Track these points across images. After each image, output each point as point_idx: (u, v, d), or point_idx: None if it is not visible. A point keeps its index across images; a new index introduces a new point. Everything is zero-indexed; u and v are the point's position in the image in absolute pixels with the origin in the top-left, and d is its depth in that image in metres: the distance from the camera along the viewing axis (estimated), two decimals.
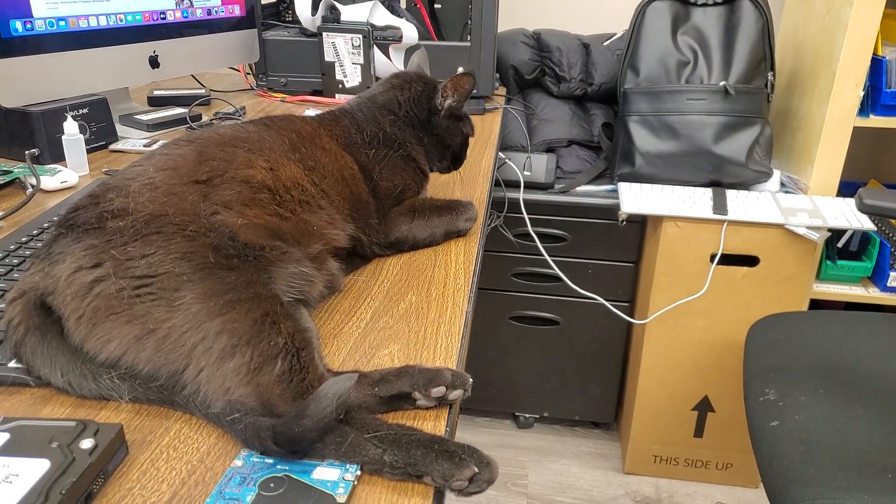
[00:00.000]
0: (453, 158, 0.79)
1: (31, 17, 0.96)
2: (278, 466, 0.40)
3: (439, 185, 0.90)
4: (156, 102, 1.30)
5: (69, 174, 0.89)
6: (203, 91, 1.38)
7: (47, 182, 0.86)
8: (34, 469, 0.38)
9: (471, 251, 0.72)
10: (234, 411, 0.43)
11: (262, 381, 0.44)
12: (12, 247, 0.66)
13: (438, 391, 0.46)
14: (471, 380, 0.48)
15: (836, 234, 1.45)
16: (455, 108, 0.75)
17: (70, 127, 0.92)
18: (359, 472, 0.40)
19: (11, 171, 0.88)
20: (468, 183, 0.93)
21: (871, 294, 1.44)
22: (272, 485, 0.39)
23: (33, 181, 0.86)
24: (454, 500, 0.42)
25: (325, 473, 0.40)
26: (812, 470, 0.81)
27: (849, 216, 1.30)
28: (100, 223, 0.50)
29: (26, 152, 0.91)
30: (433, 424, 0.45)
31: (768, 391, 0.98)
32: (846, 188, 1.47)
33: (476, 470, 0.40)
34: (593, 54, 1.59)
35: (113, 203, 0.52)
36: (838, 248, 1.48)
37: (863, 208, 1.07)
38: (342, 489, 0.39)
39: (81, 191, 0.84)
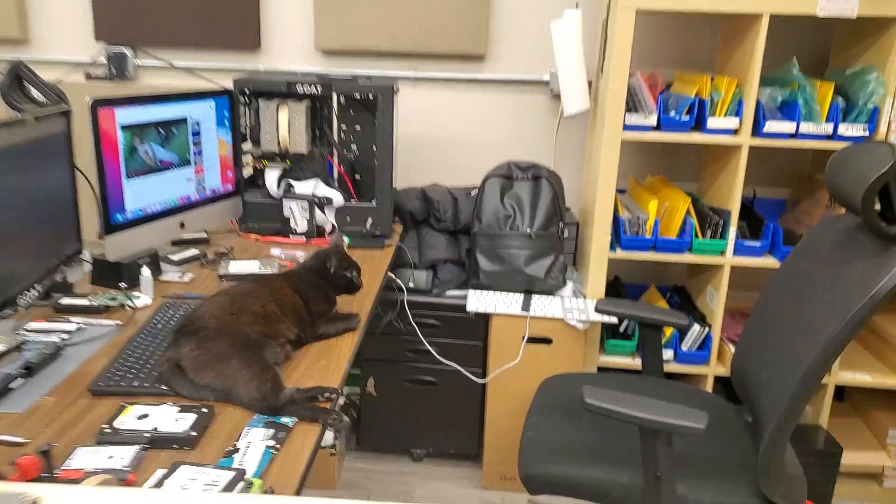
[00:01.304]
0: (349, 290, 1.59)
1: (125, 210, 1.74)
2: (268, 418, 1.17)
3: (349, 301, 1.68)
4: (176, 243, 2.08)
5: (146, 299, 1.65)
6: (206, 235, 2.16)
7: (137, 303, 1.62)
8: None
9: (355, 336, 1.51)
10: (253, 401, 1.19)
11: (264, 389, 1.20)
12: (139, 340, 1.42)
13: (328, 395, 1.24)
14: (338, 391, 1.26)
15: (616, 323, 2.30)
16: (336, 269, 1.53)
17: (145, 272, 1.69)
18: (296, 420, 1.17)
19: (115, 298, 1.64)
20: (361, 297, 1.72)
21: (636, 362, 2.26)
22: (265, 421, 1.16)
23: (129, 303, 1.61)
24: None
25: (285, 420, 1.17)
26: (541, 453, 1.58)
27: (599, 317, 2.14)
28: (194, 331, 1.27)
29: (120, 284, 1.68)
30: (325, 406, 1.23)
31: (533, 417, 1.75)
32: (633, 289, 2.34)
33: (338, 418, 1.17)
34: (460, 202, 2.45)
35: (198, 322, 1.29)
36: (618, 332, 2.33)
37: (597, 309, 1.91)
38: (290, 423, 1.16)
39: (158, 308, 1.59)
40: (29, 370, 1.30)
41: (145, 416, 1.15)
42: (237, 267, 1.87)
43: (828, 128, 2.05)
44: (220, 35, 2.67)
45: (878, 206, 1.34)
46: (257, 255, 2.02)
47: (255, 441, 1.10)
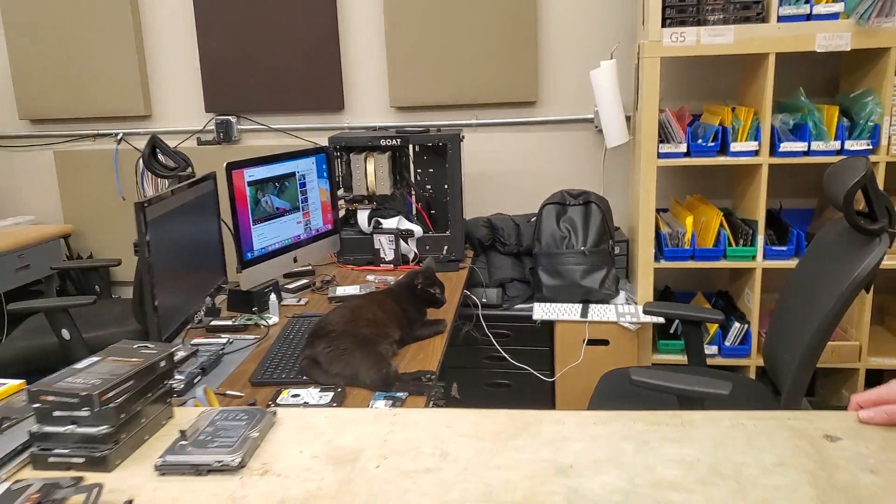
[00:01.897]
0: (433, 304, 1.97)
1: (253, 249, 2.21)
2: (385, 394, 1.57)
3: (436, 312, 2.07)
4: (288, 276, 2.53)
5: (274, 318, 2.09)
6: (311, 268, 2.61)
7: (269, 322, 2.06)
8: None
9: (443, 337, 1.89)
10: (373, 382, 1.59)
11: (380, 372, 1.60)
12: (277, 347, 1.85)
13: (428, 376, 1.62)
14: (435, 373, 1.64)
15: (666, 322, 2.61)
16: (422, 285, 1.93)
17: (273, 297, 2.13)
18: (406, 394, 1.56)
19: (252, 318, 2.08)
20: (445, 309, 2.11)
21: (684, 359, 2.56)
22: (385, 395, 1.55)
23: (263, 322, 2.06)
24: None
25: (399, 394, 1.56)
26: None
27: (649, 318, 2.46)
28: (323, 333, 1.69)
29: (253, 308, 2.13)
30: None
31: (594, 404, 2.08)
32: (681, 297, 2.65)
33: (439, 391, 1.55)
34: (521, 228, 2.82)
35: (327, 328, 1.71)
36: (668, 333, 2.63)
37: (645, 311, 2.23)
38: (402, 396, 1.55)
39: (286, 325, 2.02)
40: (203, 370, 1.75)
41: (297, 395, 1.56)
42: (342, 290, 2.30)
43: (836, 145, 2.34)
44: (309, 99, 3.18)
45: (864, 208, 1.64)
46: (355, 281, 2.45)
47: (380, 408, 1.50)
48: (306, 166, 2.50)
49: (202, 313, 1.92)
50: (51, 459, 0.83)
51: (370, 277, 2.49)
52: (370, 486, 0.79)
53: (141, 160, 3.34)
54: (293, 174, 2.43)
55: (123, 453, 0.86)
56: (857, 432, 0.87)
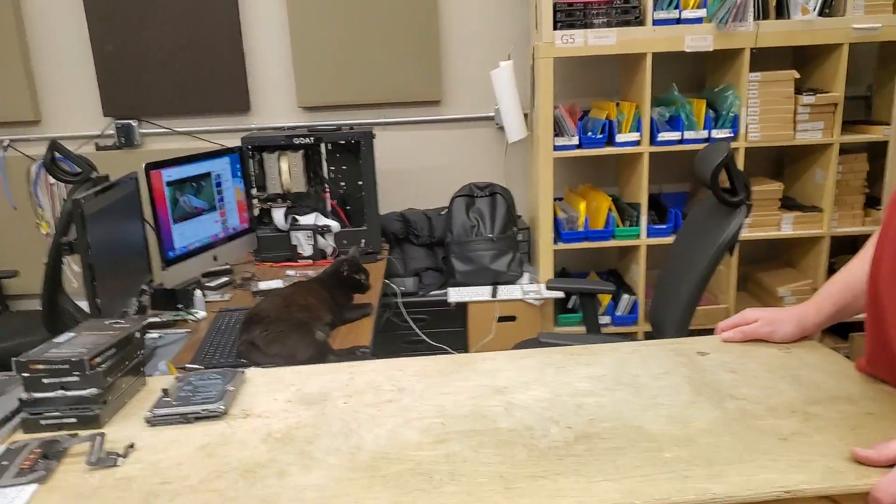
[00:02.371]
0: (358, 289, 2.11)
1: (174, 247, 2.25)
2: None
3: (360, 298, 2.21)
4: (206, 275, 2.57)
5: (202, 313, 2.15)
6: (228, 267, 2.67)
7: (198, 316, 2.12)
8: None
9: (370, 319, 2.04)
10: (310, 359, 1.71)
11: (316, 350, 1.72)
12: (210, 337, 1.92)
13: (361, 350, 1.76)
14: (369, 347, 1.79)
15: (565, 299, 2.87)
16: (348, 272, 2.07)
17: (198, 293, 2.19)
18: None
19: (179, 314, 2.13)
20: (369, 296, 2.25)
21: (583, 329, 2.83)
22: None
23: (192, 317, 2.11)
24: None
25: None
26: None
27: (551, 294, 2.71)
28: (258, 319, 1.79)
29: (178, 305, 2.17)
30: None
31: None
32: (577, 276, 2.91)
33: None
34: (433, 221, 3.01)
35: (262, 314, 1.81)
36: (566, 308, 2.90)
37: (547, 287, 2.47)
38: None
39: (214, 319, 2.09)
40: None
41: None
42: (265, 285, 2.39)
43: (704, 133, 2.70)
44: (214, 101, 3.20)
45: (727, 185, 1.95)
46: (276, 277, 2.53)
47: None
48: (221, 166, 2.55)
49: (132, 311, 1.95)
50: (43, 422, 0.91)
51: (290, 272, 2.58)
52: (342, 416, 0.93)
53: (34, 167, 3.25)
54: (209, 174, 2.48)
55: (110, 413, 0.95)
56: (721, 348, 1.11)
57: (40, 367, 0.91)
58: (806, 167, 2.98)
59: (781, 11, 2.70)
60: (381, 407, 0.95)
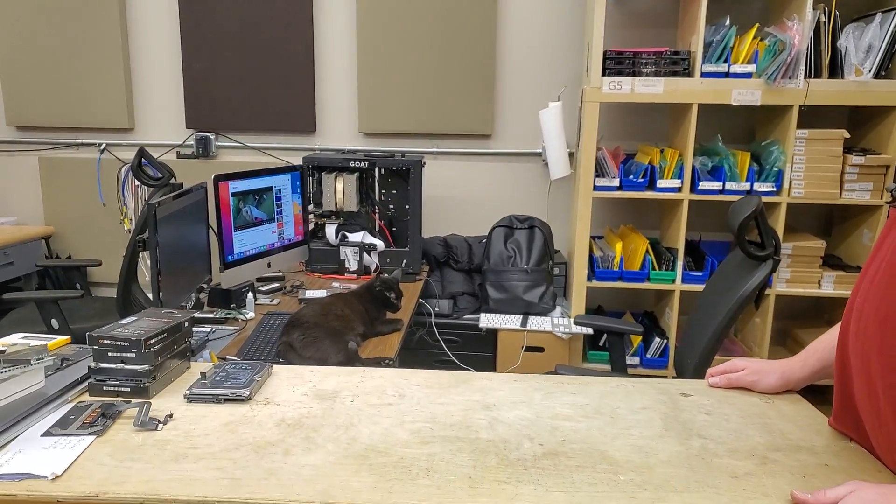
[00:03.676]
0: (388, 306, 2.26)
1: (234, 252, 2.47)
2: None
3: (394, 315, 2.36)
4: (260, 280, 2.79)
5: (251, 314, 2.35)
6: (281, 274, 2.87)
7: (247, 316, 2.31)
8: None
9: (400, 334, 2.18)
10: (339, 363, 1.87)
11: (345, 355, 1.88)
12: (254, 337, 2.10)
13: (387, 362, 1.91)
14: (393, 359, 1.93)
15: (596, 336, 2.95)
16: (380, 287, 2.22)
17: (250, 296, 2.39)
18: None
19: (231, 313, 2.34)
20: (402, 313, 2.40)
21: (608, 368, 2.90)
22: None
23: (242, 316, 2.31)
24: None
25: None
26: None
27: (579, 329, 2.80)
28: (298, 324, 1.96)
29: (231, 305, 2.37)
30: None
31: None
32: (612, 315, 2.99)
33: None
34: (473, 248, 3.15)
35: (301, 319, 1.98)
36: (597, 345, 2.97)
37: (575, 322, 2.56)
38: None
39: (261, 320, 2.28)
40: (193, 352, 1.99)
41: None
42: (311, 294, 2.58)
43: (746, 185, 2.75)
44: (283, 121, 3.46)
45: (756, 238, 2.01)
46: (322, 287, 2.72)
47: None
48: (282, 182, 2.77)
49: (190, 305, 2.16)
50: (105, 388, 1.09)
51: (335, 284, 2.76)
52: (347, 412, 1.07)
53: (123, 169, 3.57)
54: (271, 188, 2.70)
55: (158, 388, 1.12)
56: (704, 391, 1.20)
57: (107, 342, 1.09)
58: (854, 227, 2.98)
59: (836, 71, 2.73)
60: (381, 408, 1.09)
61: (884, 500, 0.81)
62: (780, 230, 2.76)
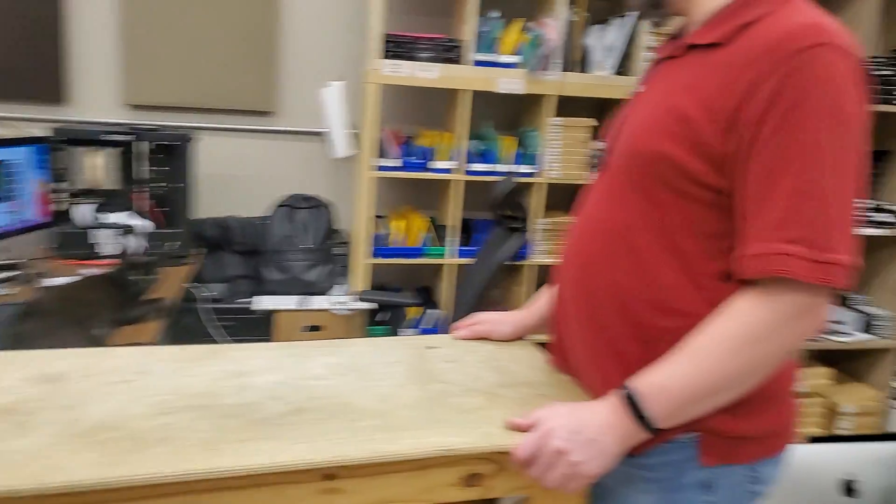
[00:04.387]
0: (132, 289, 2.10)
1: None
2: None
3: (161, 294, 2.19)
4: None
5: None
6: (21, 260, 2.52)
7: None
8: None
9: (161, 321, 2.03)
10: None
11: (89, 341, 1.70)
12: None
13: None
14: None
15: (376, 312, 3.01)
16: (120, 270, 2.06)
17: None
18: None
19: None
20: (166, 293, 2.24)
21: None
22: None
23: None
24: None
25: None
26: None
27: (358, 305, 2.84)
28: (31, 312, 1.73)
29: None
30: None
31: None
32: (393, 289, 3.05)
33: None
34: (252, 229, 3.03)
35: (37, 307, 1.75)
36: (375, 321, 3.04)
37: (360, 298, 2.59)
38: None
39: None
40: None
41: None
42: (50, 282, 2.30)
43: (513, 168, 2.98)
44: (21, 88, 3.00)
45: (510, 213, 2.19)
46: (70, 275, 2.44)
47: None
48: (17, 155, 2.43)
49: None
50: None
51: (83, 272, 2.49)
52: (73, 393, 0.97)
53: None
54: (1, 162, 2.36)
55: None
56: (450, 344, 1.28)
57: None
58: None
59: (588, 66, 3.07)
60: (117, 385, 1.00)
61: (572, 410, 0.96)
62: (541, 207, 3.05)
